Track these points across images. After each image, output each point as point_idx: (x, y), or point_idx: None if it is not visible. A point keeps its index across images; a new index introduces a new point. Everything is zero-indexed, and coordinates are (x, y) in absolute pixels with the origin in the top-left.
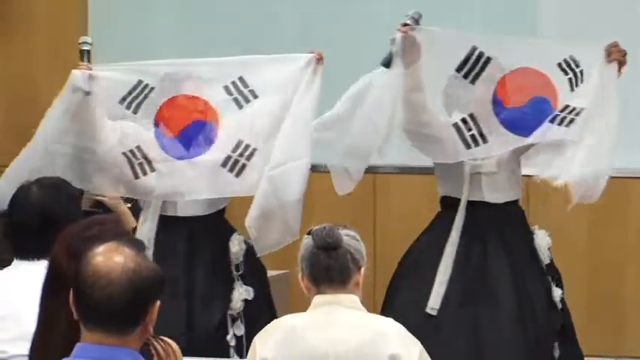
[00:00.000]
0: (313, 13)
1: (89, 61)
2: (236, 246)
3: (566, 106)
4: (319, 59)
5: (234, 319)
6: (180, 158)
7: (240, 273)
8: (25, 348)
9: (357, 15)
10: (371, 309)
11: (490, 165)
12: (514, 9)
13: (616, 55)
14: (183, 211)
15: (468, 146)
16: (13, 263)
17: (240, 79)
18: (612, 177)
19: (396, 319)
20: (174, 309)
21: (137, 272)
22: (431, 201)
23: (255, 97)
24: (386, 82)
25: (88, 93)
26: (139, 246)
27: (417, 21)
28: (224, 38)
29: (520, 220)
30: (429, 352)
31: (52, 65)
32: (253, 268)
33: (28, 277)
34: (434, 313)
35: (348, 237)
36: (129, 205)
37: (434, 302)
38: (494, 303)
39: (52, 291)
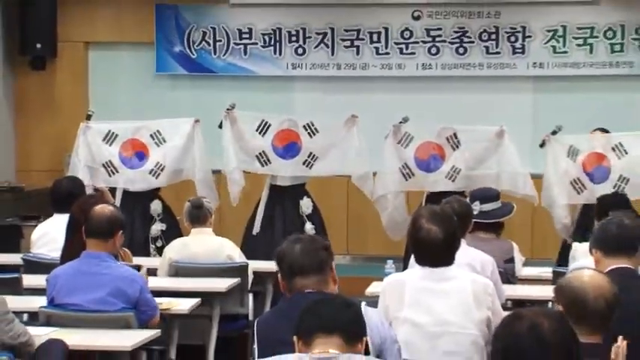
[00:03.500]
0: None
1: (89, 119)
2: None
3: None
4: (197, 121)
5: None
6: (130, 168)
7: (160, 218)
8: (58, 254)
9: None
10: (218, 234)
11: None
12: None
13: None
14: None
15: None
16: (53, 215)
17: (158, 131)
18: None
19: None
20: None
21: (113, 215)
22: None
23: (165, 141)
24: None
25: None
26: (114, 204)
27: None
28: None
29: None
30: None
31: (73, 128)
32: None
33: (61, 221)
34: None
35: (206, 201)
36: (108, 187)
37: None
38: None
39: (72, 228)
